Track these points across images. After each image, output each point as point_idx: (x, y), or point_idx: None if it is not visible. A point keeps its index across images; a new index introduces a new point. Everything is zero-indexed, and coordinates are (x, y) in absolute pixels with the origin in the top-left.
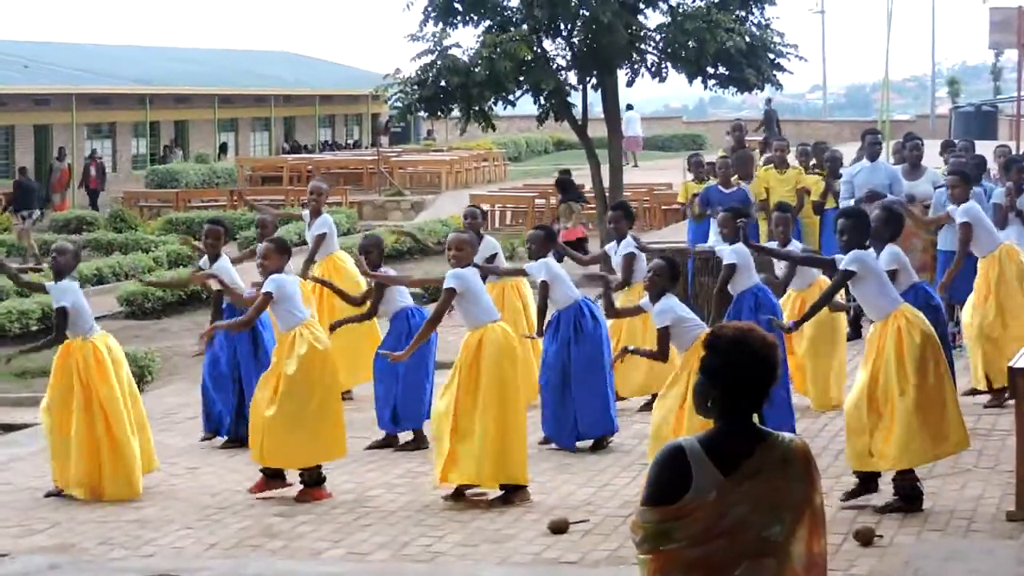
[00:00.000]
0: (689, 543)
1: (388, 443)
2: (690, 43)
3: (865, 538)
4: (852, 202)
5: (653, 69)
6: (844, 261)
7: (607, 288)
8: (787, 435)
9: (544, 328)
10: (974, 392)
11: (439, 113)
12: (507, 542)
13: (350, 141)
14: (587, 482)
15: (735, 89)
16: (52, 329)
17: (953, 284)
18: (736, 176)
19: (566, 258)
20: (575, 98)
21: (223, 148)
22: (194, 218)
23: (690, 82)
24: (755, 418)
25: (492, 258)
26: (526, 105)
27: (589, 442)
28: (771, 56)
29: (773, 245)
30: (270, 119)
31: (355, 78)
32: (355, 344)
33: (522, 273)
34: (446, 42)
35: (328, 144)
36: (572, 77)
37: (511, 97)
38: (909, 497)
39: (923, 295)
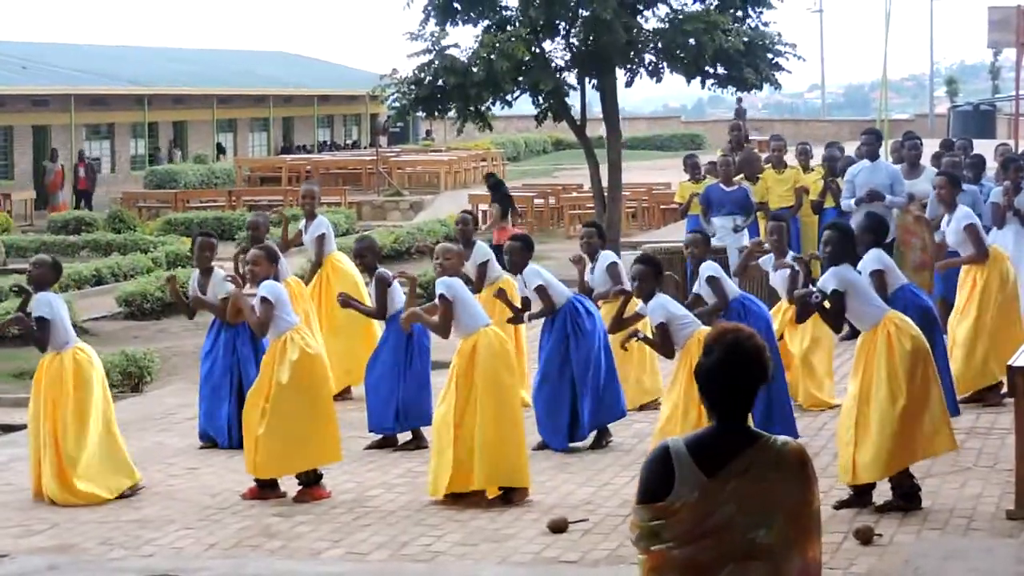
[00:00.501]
0: (676, 543)
1: (387, 443)
2: (689, 43)
3: (864, 537)
4: (852, 202)
5: (651, 69)
6: (825, 282)
7: (624, 303)
8: (782, 437)
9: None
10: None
11: (436, 113)
12: (507, 541)
13: (349, 141)
14: (587, 481)
15: (734, 89)
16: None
17: (952, 283)
18: (742, 176)
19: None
20: (574, 98)
21: (220, 149)
22: (192, 218)
23: (688, 82)
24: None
25: (484, 264)
26: (524, 105)
27: (588, 442)
28: (769, 56)
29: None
30: (268, 120)
31: (353, 78)
32: (352, 344)
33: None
34: (444, 42)
35: (327, 144)
36: (571, 77)
37: (509, 97)
38: (908, 496)
39: (911, 296)
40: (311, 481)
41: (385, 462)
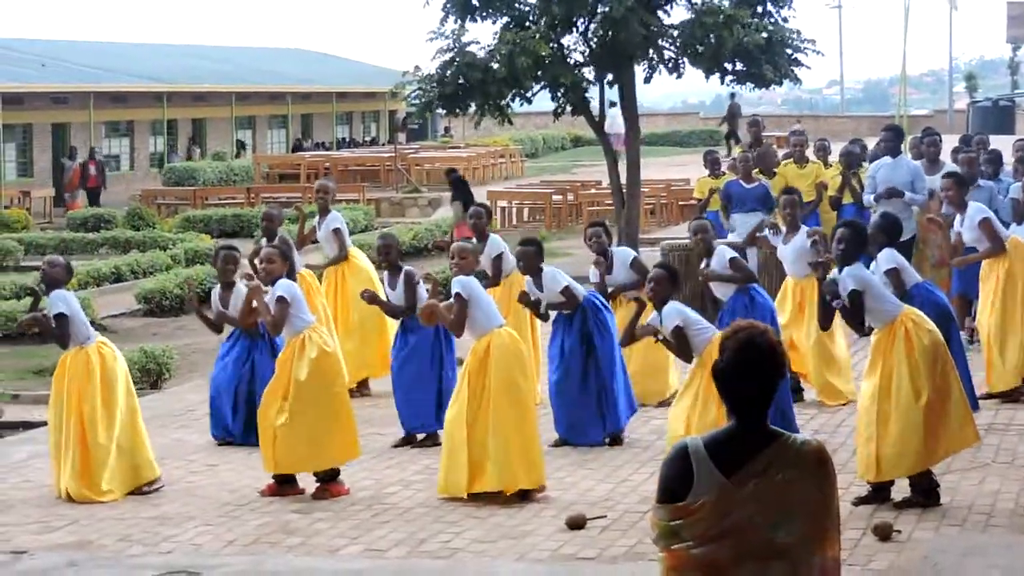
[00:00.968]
0: (696, 542)
1: (410, 440)
2: (708, 38)
3: (883, 533)
4: (872, 198)
5: (670, 65)
6: (843, 283)
7: (638, 312)
8: (801, 436)
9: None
10: (988, 396)
11: (457, 111)
12: (525, 538)
13: (367, 138)
14: (605, 478)
15: (752, 85)
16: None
17: (968, 280)
18: (758, 171)
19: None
20: (592, 93)
21: (241, 146)
22: (211, 216)
23: (707, 78)
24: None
25: (499, 258)
26: (543, 101)
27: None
28: (788, 51)
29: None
30: (287, 116)
31: (372, 75)
32: (366, 342)
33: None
34: (464, 39)
35: (346, 141)
36: (589, 73)
37: (529, 94)
38: (927, 492)
39: (927, 293)
40: (329, 477)
41: (403, 459)
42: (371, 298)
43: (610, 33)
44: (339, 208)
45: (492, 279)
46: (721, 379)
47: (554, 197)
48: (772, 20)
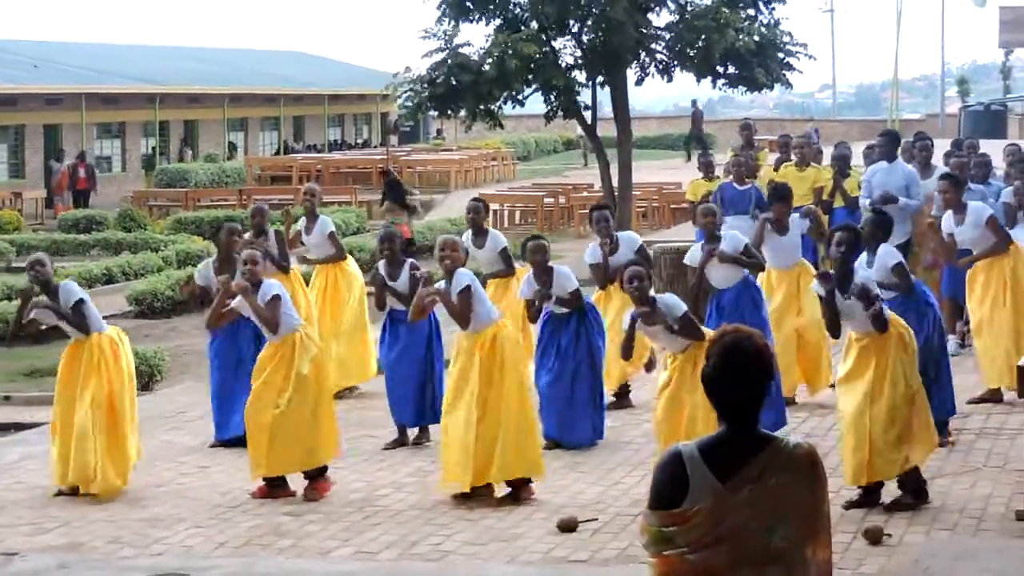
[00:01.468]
0: (690, 549)
1: (403, 442)
2: (699, 42)
3: (874, 537)
4: (867, 203)
5: (662, 68)
6: (870, 281)
7: (632, 328)
8: (792, 439)
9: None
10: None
11: (448, 112)
12: (516, 540)
13: (359, 140)
14: (596, 481)
15: (744, 88)
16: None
17: (959, 283)
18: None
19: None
20: (584, 97)
21: (232, 148)
22: (203, 217)
23: (698, 81)
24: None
25: (504, 249)
26: (535, 104)
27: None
28: (780, 55)
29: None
30: (279, 118)
31: (364, 77)
32: (351, 347)
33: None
34: (457, 40)
35: (337, 143)
36: (581, 76)
37: (520, 96)
38: (917, 492)
39: (920, 294)
40: (319, 474)
41: (395, 461)
42: (381, 283)
43: (602, 36)
44: (330, 210)
45: (508, 269)
46: (708, 384)
47: (546, 200)
48: (764, 23)
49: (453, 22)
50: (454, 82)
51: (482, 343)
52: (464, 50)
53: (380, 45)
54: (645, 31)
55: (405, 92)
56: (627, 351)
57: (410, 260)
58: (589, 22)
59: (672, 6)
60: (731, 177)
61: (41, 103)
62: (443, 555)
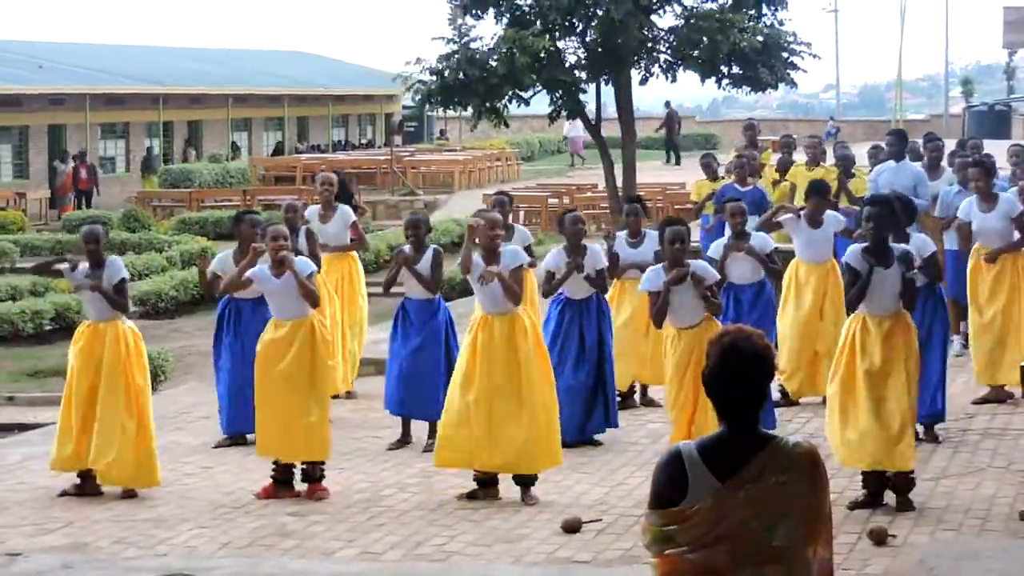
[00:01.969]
0: (690, 548)
1: (406, 441)
2: (703, 42)
3: (879, 537)
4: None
5: (666, 68)
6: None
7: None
8: (792, 439)
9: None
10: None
11: (455, 108)
12: (520, 541)
13: (363, 141)
14: (600, 481)
15: (748, 88)
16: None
17: (962, 284)
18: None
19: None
20: (588, 98)
21: (234, 148)
22: (207, 218)
23: (703, 81)
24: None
25: (527, 248)
26: (539, 105)
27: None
28: (784, 55)
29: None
30: (283, 119)
31: (368, 78)
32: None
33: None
34: (470, 33)
35: (341, 144)
36: (584, 76)
37: (526, 95)
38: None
39: (939, 291)
40: (320, 476)
41: (399, 462)
42: (403, 261)
43: (606, 36)
44: None
45: (530, 264)
46: (708, 385)
47: (550, 200)
48: (768, 24)
49: (467, 16)
50: (462, 75)
51: (519, 327)
52: (474, 45)
53: (385, 45)
54: (649, 32)
55: (415, 83)
56: (660, 316)
57: (434, 246)
58: (594, 22)
59: (677, 9)
60: (734, 177)
61: (45, 103)
62: (447, 556)
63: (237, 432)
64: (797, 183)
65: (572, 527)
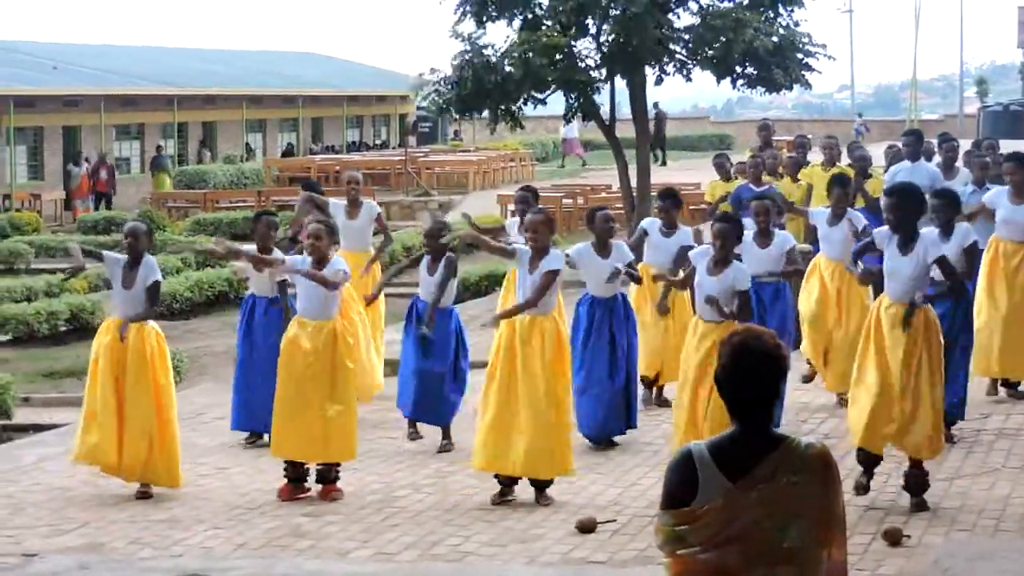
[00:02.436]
0: (702, 548)
1: (418, 433)
2: (718, 42)
3: (893, 538)
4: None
5: (680, 67)
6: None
7: (668, 287)
8: (805, 439)
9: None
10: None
11: (472, 114)
12: (535, 542)
13: (378, 142)
14: (615, 482)
15: (763, 89)
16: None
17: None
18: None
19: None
20: (603, 99)
21: (248, 149)
22: (222, 219)
23: (718, 82)
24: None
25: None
26: (554, 106)
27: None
28: (799, 56)
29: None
30: (298, 120)
31: (383, 79)
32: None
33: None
34: (481, 41)
35: (356, 145)
36: (600, 76)
37: (542, 96)
38: (922, 487)
39: (967, 287)
40: (336, 478)
41: (413, 462)
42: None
43: (622, 35)
44: None
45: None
46: (720, 384)
47: (564, 201)
48: (784, 24)
49: (475, 20)
50: (479, 81)
51: (547, 330)
52: (487, 52)
53: (399, 46)
54: (665, 31)
55: (430, 93)
56: (684, 284)
57: (449, 254)
58: (609, 22)
59: (693, 7)
60: (748, 178)
61: (59, 105)
62: (462, 556)
63: (256, 430)
64: (814, 183)
65: (587, 527)
